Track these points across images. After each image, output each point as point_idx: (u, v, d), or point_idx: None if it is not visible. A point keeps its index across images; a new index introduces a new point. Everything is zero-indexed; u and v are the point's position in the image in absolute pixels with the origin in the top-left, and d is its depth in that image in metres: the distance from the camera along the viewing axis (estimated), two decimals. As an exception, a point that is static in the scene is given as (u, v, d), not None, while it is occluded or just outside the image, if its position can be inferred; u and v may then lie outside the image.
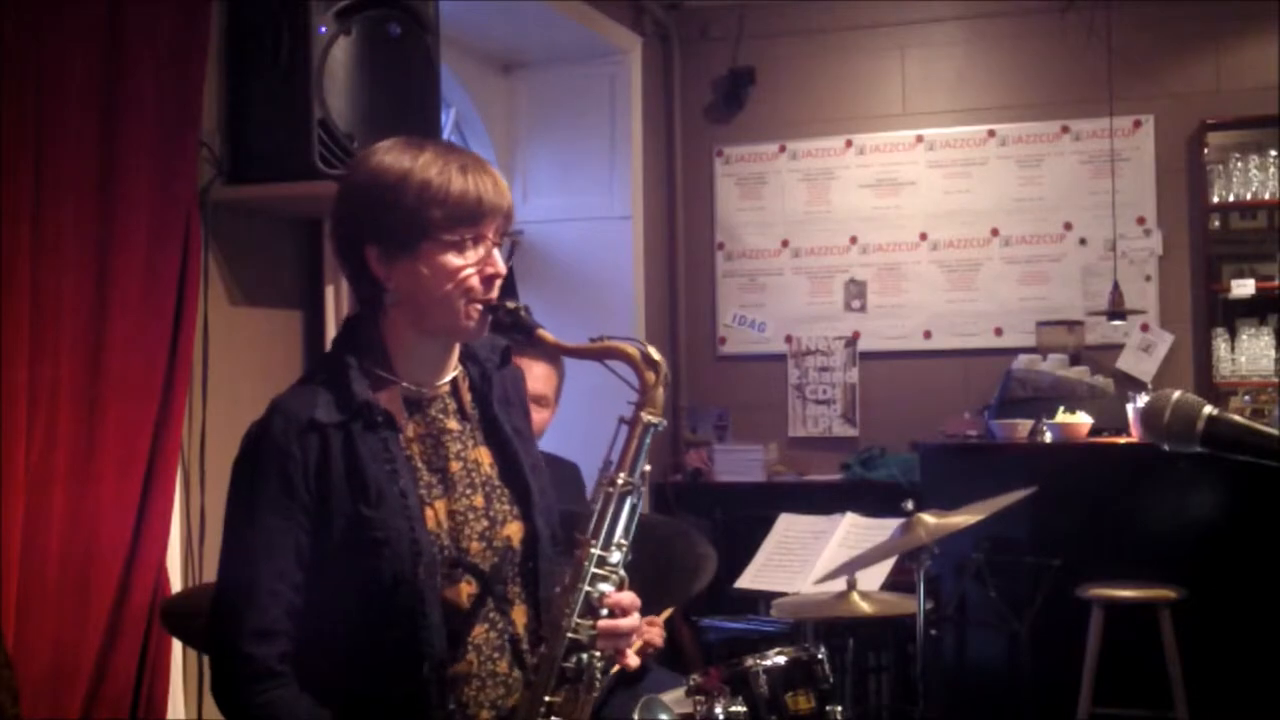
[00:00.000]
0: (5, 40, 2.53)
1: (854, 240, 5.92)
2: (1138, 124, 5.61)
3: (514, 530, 1.88)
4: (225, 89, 3.28)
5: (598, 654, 1.77)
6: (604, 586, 1.78)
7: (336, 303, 3.65)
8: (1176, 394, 1.50)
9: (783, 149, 6.03)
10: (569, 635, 1.76)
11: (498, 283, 1.82)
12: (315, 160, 3.15)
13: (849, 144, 5.94)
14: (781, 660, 2.78)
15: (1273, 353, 5.38)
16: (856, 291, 5.93)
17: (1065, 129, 5.69)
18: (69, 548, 2.69)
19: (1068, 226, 5.69)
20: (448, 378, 1.90)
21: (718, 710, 2.65)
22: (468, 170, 1.79)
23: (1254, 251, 5.67)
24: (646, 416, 1.82)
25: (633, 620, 1.82)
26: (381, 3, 3.30)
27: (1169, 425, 1.49)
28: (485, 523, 1.85)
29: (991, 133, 5.77)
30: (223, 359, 3.28)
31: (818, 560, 3.90)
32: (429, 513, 1.80)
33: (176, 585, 3.01)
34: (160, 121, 2.91)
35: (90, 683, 2.73)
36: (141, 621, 2.83)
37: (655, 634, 3.00)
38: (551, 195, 5.58)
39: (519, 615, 1.87)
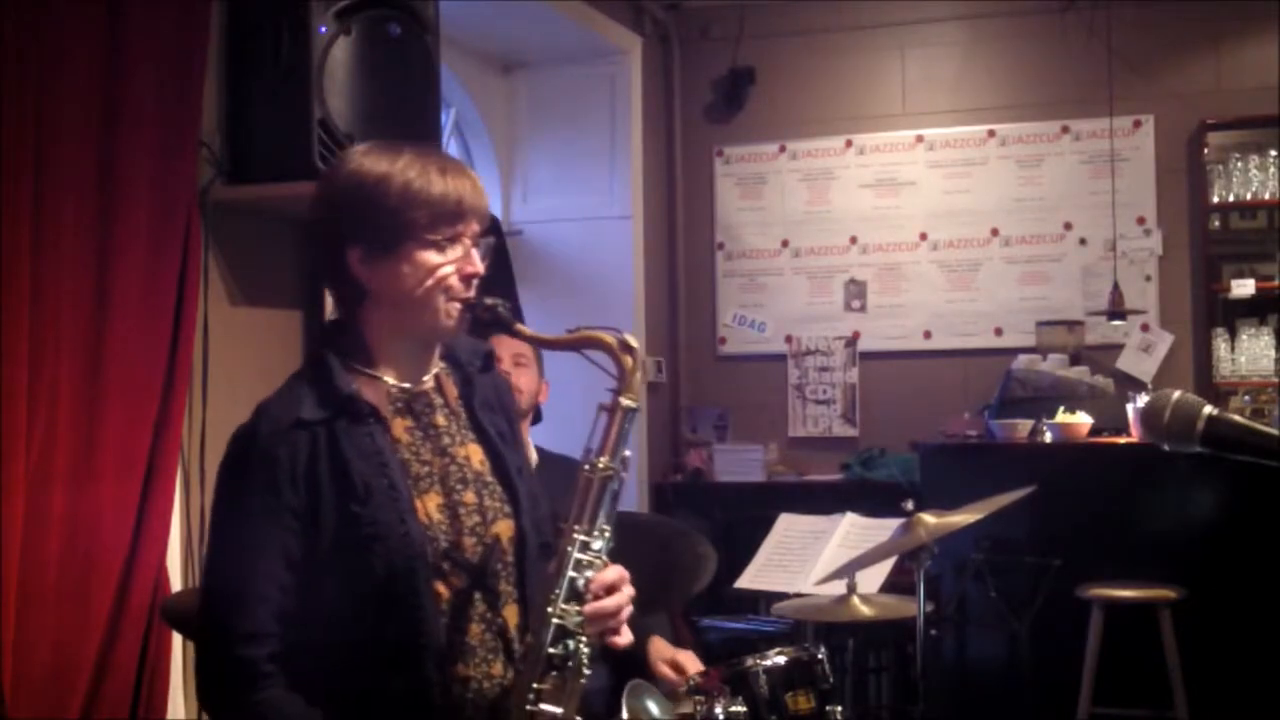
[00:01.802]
0: (5, 40, 2.54)
1: (854, 240, 5.92)
2: (1138, 124, 5.61)
3: (504, 528, 1.89)
4: (225, 89, 3.28)
5: (584, 639, 1.78)
6: (588, 573, 1.79)
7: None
8: (1176, 394, 1.50)
9: (783, 149, 6.03)
10: (555, 621, 1.77)
11: (475, 282, 1.85)
12: (315, 160, 3.15)
13: (849, 144, 5.95)
14: (781, 660, 2.78)
15: (1273, 353, 5.38)
16: (856, 291, 5.93)
17: (1065, 129, 5.70)
18: (69, 548, 2.69)
19: (1068, 226, 5.69)
20: (430, 376, 1.92)
21: (718, 710, 2.65)
22: (447, 172, 1.83)
23: (1254, 251, 5.67)
24: (625, 401, 1.84)
25: (620, 597, 1.83)
26: (381, 3, 3.30)
27: (1169, 425, 1.49)
28: (477, 518, 1.86)
29: (991, 133, 5.78)
30: (223, 359, 3.28)
31: (818, 560, 3.90)
32: (420, 505, 1.81)
33: (176, 585, 3.01)
34: (160, 121, 2.91)
35: (90, 683, 2.73)
36: (141, 621, 2.83)
37: (688, 660, 2.98)
38: (551, 195, 5.58)
39: (511, 615, 1.87)
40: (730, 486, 5.74)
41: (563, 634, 1.77)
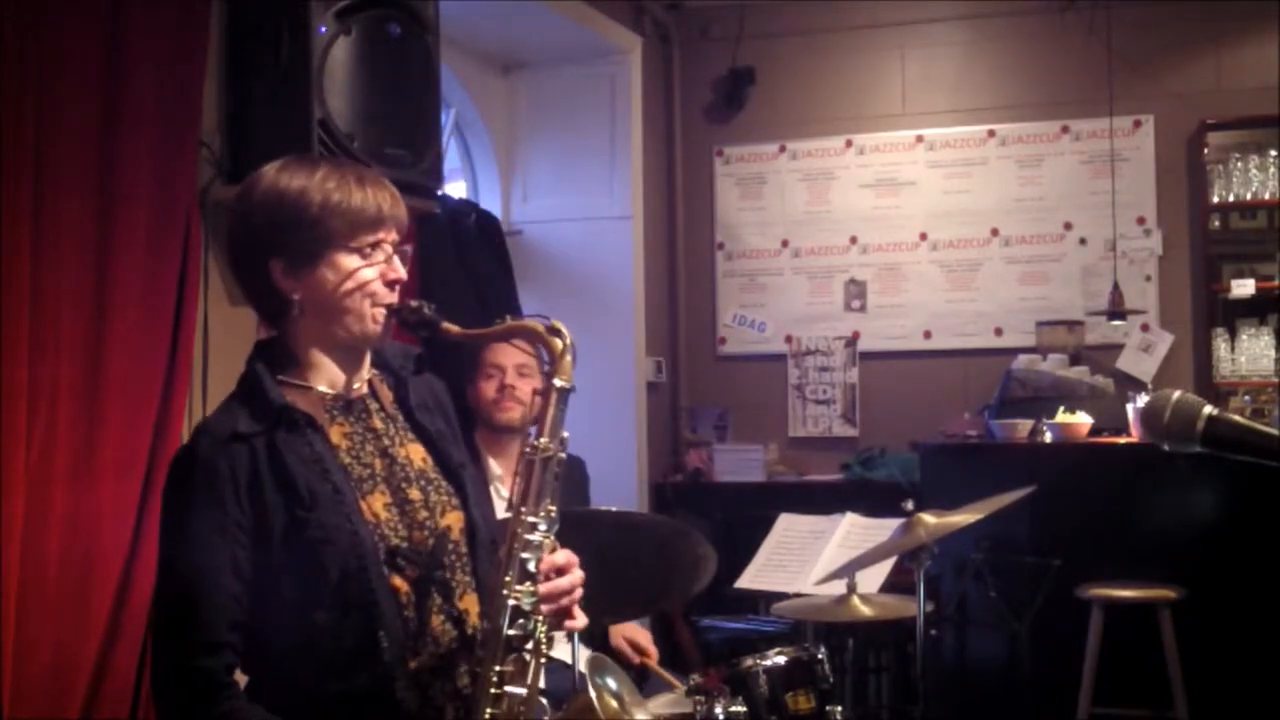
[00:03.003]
0: (5, 40, 2.54)
1: (854, 240, 5.92)
2: (1138, 124, 5.61)
3: (454, 520, 1.92)
4: (225, 89, 3.28)
5: (541, 619, 1.82)
6: (539, 554, 1.83)
7: (336, 303, 3.65)
8: (1176, 394, 1.50)
9: (783, 149, 6.03)
10: (509, 603, 1.79)
11: (399, 287, 1.88)
12: (315, 160, 3.15)
13: (849, 144, 5.94)
14: (781, 660, 2.78)
15: (1273, 353, 5.38)
16: (856, 291, 5.93)
17: (1065, 129, 5.69)
18: (69, 548, 2.69)
19: (1068, 226, 5.69)
20: (363, 383, 1.94)
21: (718, 710, 2.65)
22: (365, 182, 1.87)
23: (1254, 251, 5.67)
24: (558, 382, 1.87)
25: (573, 577, 1.88)
26: (381, 3, 3.30)
27: (1169, 425, 1.49)
28: (425, 512, 1.89)
29: (991, 133, 5.78)
30: (223, 359, 3.28)
31: (818, 560, 3.90)
32: (364, 505, 1.83)
33: (176, 585, 3.01)
34: (160, 121, 2.91)
35: (90, 683, 2.74)
36: (141, 621, 2.83)
37: (643, 638, 3.04)
38: (551, 195, 5.57)
39: (470, 603, 1.90)
40: (730, 486, 5.74)
41: (518, 614, 1.80)
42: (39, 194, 2.61)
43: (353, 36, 3.23)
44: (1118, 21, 5.51)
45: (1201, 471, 4.48)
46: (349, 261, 1.84)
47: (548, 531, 1.84)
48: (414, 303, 1.88)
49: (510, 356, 3.46)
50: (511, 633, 1.79)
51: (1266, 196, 5.46)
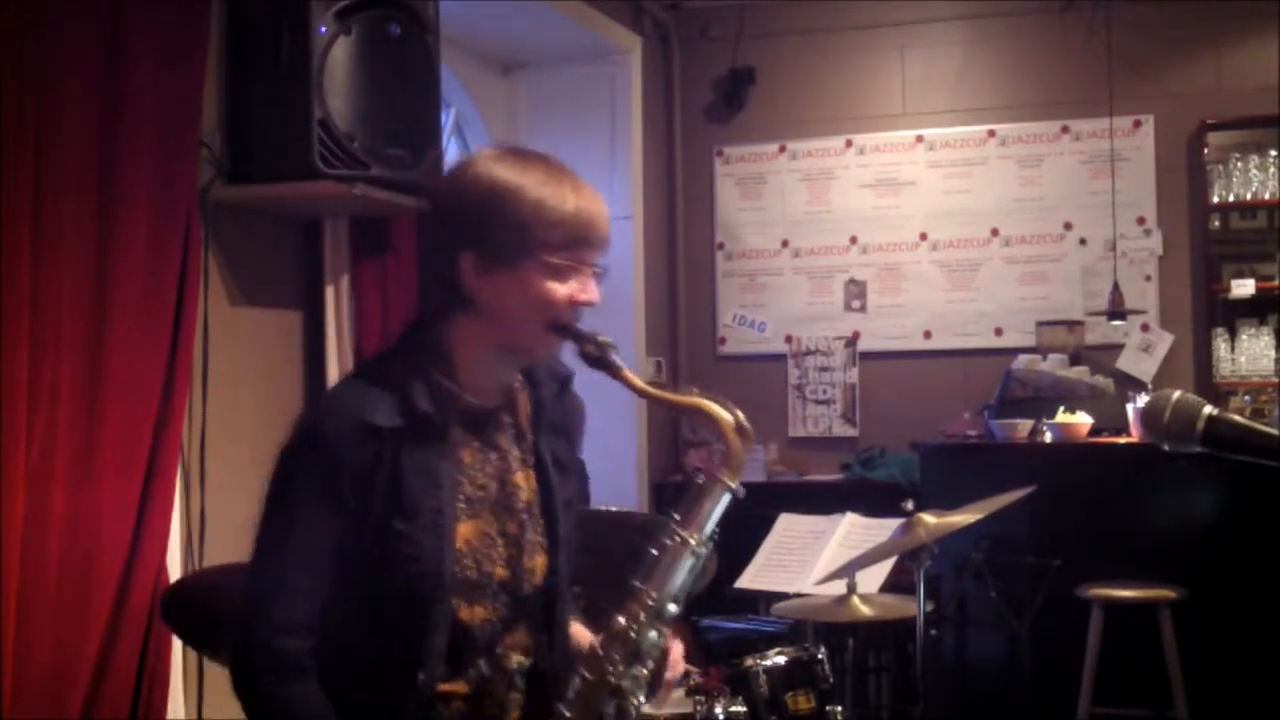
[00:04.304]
0: (5, 40, 2.53)
1: (854, 240, 5.92)
2: (1138, 124, 5.61)
3: (539, 564, 1.85)
4: (225, 89, 3.28)
5: (637, 702, 1.76)
6: (652, 636, 1.77)
7: (336, 303, 3.65)
8: (1176, 394, 1.50)
9: (783, 149, 6.03)
10: (610, 680, 1.75)
11: (583, 311, 1.80)
12: (315, 160, 3.15)
13: (849, 144, 5.94)
14: (781, 660, 2.79)
15: (1273, 353, 5.38)
16: (856, 291, 5.93)
17: (1065, 129, 5.69)
18: (69, 548, 2.69)
19: (1068, 226, 5.69)
20: (506, 392, 1.86)
21: (718, 710, 2.65)
22: (580, 193, 1.77)
23: (1254, 251, 5.67)
24: (726, 479, 1.77)
25: (676, 671, 1.84)
26: (381, 3, 3.30)
27: (1169, 425, 1.49)
28: (514, 549, 1.82)
29: (991, 133, 5.77)
30: (223, 359, 3.28)
31: (818, 560, 3.90)
32: (461, 530, 1.76)
33: (176, 585, 3.01)
34: (160, 121, 2.91)
35: (90, 683, 2.73)
36: (141, 621, 2.83)
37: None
38: (551, 195, 5.56)
39: (524, 645, 1.85)
40: (730, 486, 5.73)
41: (616, 694, 1.76)
42: (39, 194, 2.61)
43: (353, 36, 3.23)
44: (1118, 21, 5.51)
45: (1201, 471, 4.48)
46: (542, 275, 1.74)
47: (668, 621, 1.78)
48: (600, 337, 1.77)
49: None
50: (605, 712, 1.75)
51: (1266, 196, 5.46)
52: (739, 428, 1.77)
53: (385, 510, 1.72)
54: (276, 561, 1.74)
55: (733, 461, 1.76)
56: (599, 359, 1.77)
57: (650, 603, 1.75)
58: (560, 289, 1.76)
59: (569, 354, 1.86)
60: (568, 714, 1.76)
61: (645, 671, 1.77)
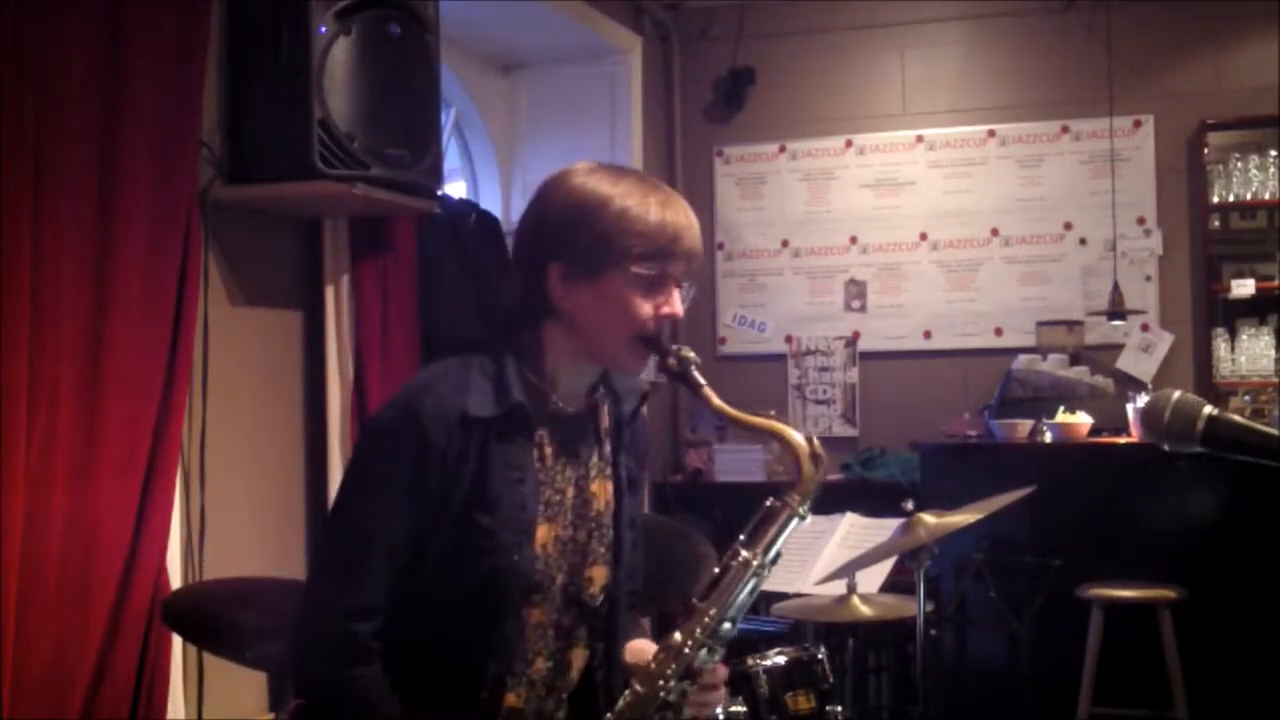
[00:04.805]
0: (5, 40, 2.53)
1: (854, 240, 5.92)
2: (1138, 124, 5.61)
3: (600, 574, 1.86)
4: (225, 89, 3.28)
5: (683, 715, 1.78)
6: (704, 654, 1.77)
7: (336, 303, 3.65)
8: (1176, 394, 1.50)
9: (783, 149, 6.03)
10: (661, 695, 1.76)
11: (668, 325, 1.80)
12: (315, 160, 3.15)
13: (849, 144, 5.94)
14: (781, 660, 2.79)
15: (1273, 353, 5.38)
16: (856, 291, 5.93)
17: (1065, 129, 5.69)
18: (69, 548, 2.69)
19: (1068, 226, 5.69)
20: (589, 403, 1.87)
21: (718, 710, 2.64)
22: (667, 205, 1.77)
23: (1254, 251, 5.67)
24: (795, 504, 1.77)
25: (723, 692, 1.84)
26: (381, 3, 3.30)
27: (1169, 425, 1.49)
28: (580, 557, 1.83)
29: (991, 133, 5.77)
30: (223, 359, 3.28)
31: (818, 560, 3.90)
32: (539, 532, 1.77)
33: (176, 585, 3.01)
34: (160, 121, 2.91)
35: (90, 683, 2.73)
36: (141, 621, 2.83)
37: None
38: (552, 195, 5.56)
39: (578, 657, 1.86)
40: (730, 486, 5.73)
41: (664, 707, 1.77)
42: (39, 194, 2.61)
43: (353, 36, 3.23)
44: (1118, 21, 5.51)
45: (1201, 471, 4.48)
46: (626, 286, 1.75)
47: (724, 639, 1.78)
48: (684, 352, 1.79)
49: None
50: None
51: (1266, 196, 5.46)
52: (813, 455, 1.76)
53: (468, 501, 1.72)
54: (354, 541, 1.73)
55: (803, 487, 1.76)
56: (680, 374, 1.78)
57: (709, 621, 1.76)
58: (644, 301, 1.76)
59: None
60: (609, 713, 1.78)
61: (695, 687, 1.78)
